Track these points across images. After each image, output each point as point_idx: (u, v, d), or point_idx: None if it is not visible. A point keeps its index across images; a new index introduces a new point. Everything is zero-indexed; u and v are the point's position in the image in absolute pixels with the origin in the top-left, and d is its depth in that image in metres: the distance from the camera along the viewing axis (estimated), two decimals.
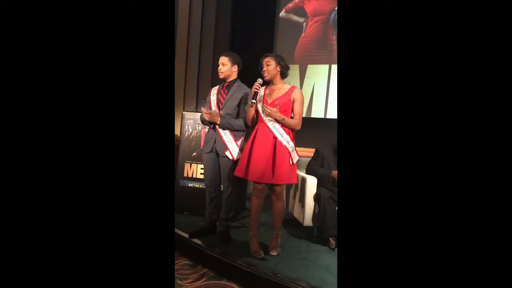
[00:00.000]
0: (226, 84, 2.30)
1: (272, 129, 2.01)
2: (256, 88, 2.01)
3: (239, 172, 2.08)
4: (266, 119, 2.03)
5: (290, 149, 2.02)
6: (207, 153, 2.30)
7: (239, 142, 2.24)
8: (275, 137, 2.01)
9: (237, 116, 2.26)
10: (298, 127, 2.05)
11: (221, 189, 2.38)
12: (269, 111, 1.96)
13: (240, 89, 2.28)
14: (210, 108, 2.30)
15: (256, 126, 2.10)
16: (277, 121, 2.00)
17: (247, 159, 2.04)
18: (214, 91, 2.36)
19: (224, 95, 2.28)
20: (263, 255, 2.06)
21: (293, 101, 2.04)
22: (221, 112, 2.22)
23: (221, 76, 2.28)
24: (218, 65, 2.28)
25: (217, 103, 2.30)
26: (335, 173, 2.44)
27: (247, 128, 2.26)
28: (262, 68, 2.07)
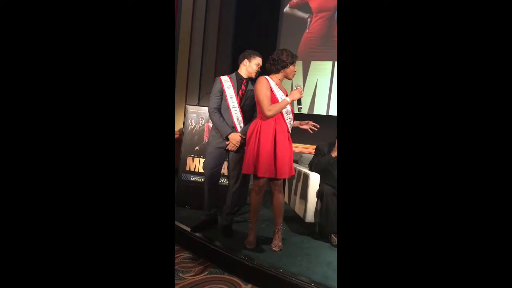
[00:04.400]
0: (245, 81, 2.32)
1: (289, 125, 2.11)
2: (301, 92, 2.08)
3: (266, 172, 2.02)
4: (286, 116, 2.08)
5: None
6: (218, 148, 2.30)
7: None
8: (289, 132, 2.11)
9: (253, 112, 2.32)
10: None
11: (221, 182, 2.41)
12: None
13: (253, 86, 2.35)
14: (225, 96, 2.29)
15: (273, 122, 2.04)
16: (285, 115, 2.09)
17: (273, 157, 2.01)
18: (227, 83, 2.31)
19: (244, 92, 2.31)
20: (253, 247, 2.12)
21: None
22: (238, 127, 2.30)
23: (254, 76, 2.32)
24: (243, 64, 2.30)
25: (237, 97, 2.29)
26: (334, 153, 2.50)
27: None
28: (294, 65, 2.09)
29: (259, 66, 2.30)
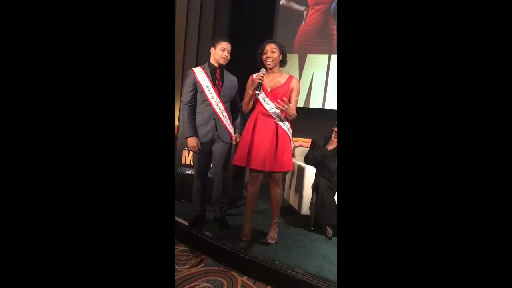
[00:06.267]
0: (218, 70, 2.27)
1: (274, 116, 2.03)
2: (260, 79, 1.96)
3: (239, 161, 2.06)
4: (267, 107, 2.02)
5: (290, 136, 2.08)
6: (204, 142, 2.26)
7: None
8: (276, 124, 2.03)
9: (234, 101, 2.35)
10: (295, 115, 2.04)
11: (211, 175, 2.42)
12: (286, 107, 1.94)
13: (228, 75, 2.33)
14: (201, 88, 2.22)
15: (255, 114, 2.06)
16: (279, 109, 2.00)
17: (248, 147, 2.03)
18: (201, 75, 2.23)
19: (221, 83, 2.26)
20: (249, 239, 2.13)
21: (291, 90, 2.05)
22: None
23: (225, 62, 2.25)
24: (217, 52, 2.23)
25: (214, 88, 2.23)
26: (330, 146, 2.51)
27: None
28: (264, 54, 2.02)
29: (225, 50, 2.20)
